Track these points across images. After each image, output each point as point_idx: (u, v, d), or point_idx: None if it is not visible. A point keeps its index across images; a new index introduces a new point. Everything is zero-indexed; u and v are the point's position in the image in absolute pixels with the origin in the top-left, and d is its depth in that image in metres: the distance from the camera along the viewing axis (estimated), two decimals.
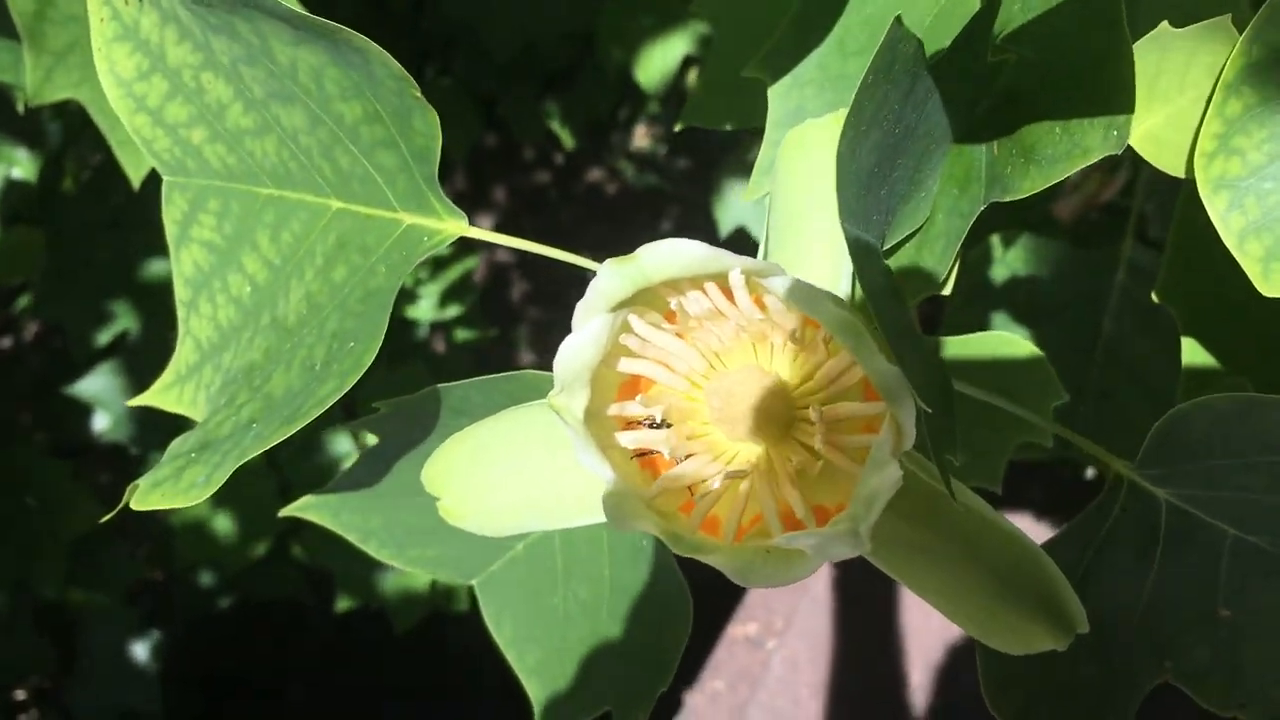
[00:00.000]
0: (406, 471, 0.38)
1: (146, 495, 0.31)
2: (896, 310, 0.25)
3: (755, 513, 0.27)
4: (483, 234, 0.32)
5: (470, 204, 2.03)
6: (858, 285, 0.29)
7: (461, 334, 1.52)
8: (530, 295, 1.99)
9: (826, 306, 0.23)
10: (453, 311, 1.50)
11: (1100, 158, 0.27)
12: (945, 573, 0.30)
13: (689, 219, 1.80)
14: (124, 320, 1.26)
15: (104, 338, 1.26)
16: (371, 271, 0.32)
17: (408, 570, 0.40)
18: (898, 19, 0.24)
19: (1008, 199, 0.28)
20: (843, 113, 0.32)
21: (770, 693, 1.44)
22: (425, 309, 1.45)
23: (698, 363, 0.28)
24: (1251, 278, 0.30)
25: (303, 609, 1.43)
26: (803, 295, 0.23)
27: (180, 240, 0.37)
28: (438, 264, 1.55)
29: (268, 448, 0.28)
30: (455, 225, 0.32)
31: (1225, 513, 0.32)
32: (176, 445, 0.33)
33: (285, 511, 0.39)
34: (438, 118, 0.29)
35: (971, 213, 0.30)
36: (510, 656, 0.40)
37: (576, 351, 0.25)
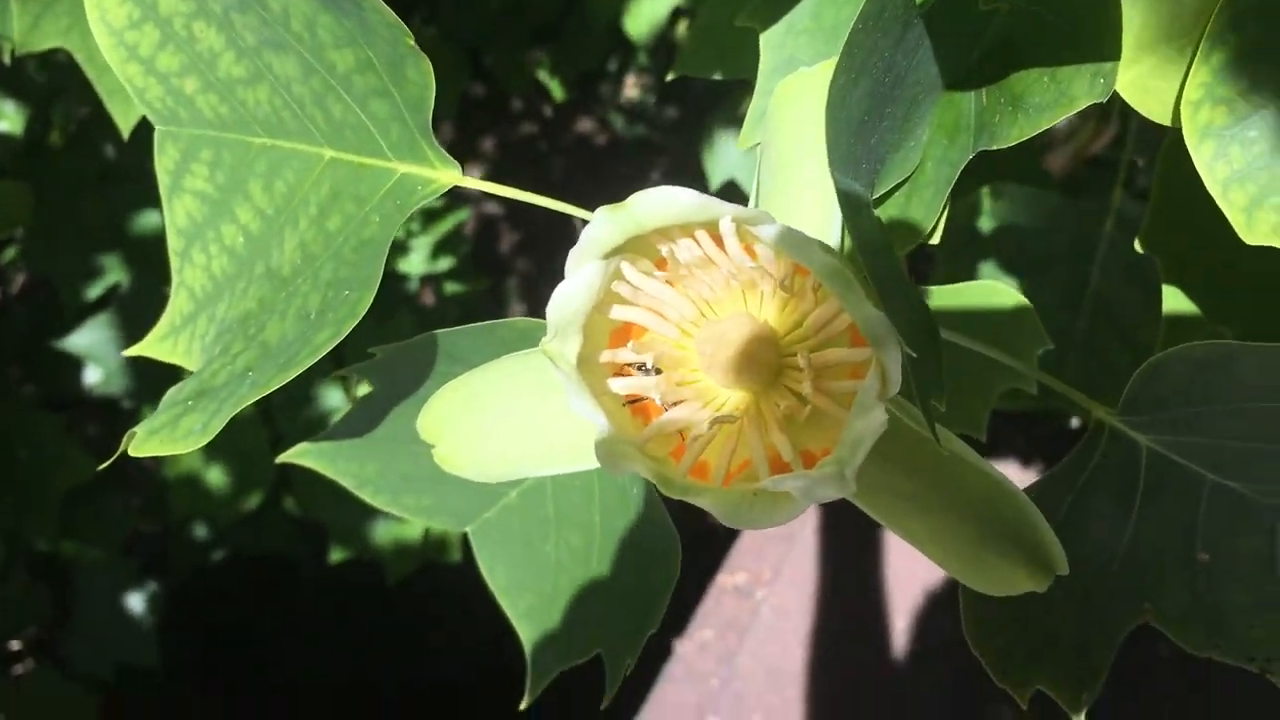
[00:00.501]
0: (401, 419, 0.38)
1: (144, 442, 0.31)
2: (885, 259, 0.25)
3: (744, 458, 0.28)
4: (476, 183, 0.32)
5: (458, 155, 2.03)
6: (847, 235, 0.29)
7: (451, 287, 1.52)
8: (520, 247, 1.99)
9: (815, 253, 0.23)
10: (444, 264, 1.50)
11: (1086, 105, 0.27)
12: (929, 517, 0.31)
13: (679, 170, 1.79)
14: (114, 274, 1.26)
15: (94, 291, 1.26)
16: (365, 221, 0.32)
17: (403, 517, 0.40)
18: None
19: (995, 147, 0.29)
20: (834, 61, 0.32)
21: (759, 640, 1.46)
22: (416, 262, 1.45)
23: (689, 310, 0.28)
24: (1235, 226, 0.30)
25: (296, 561, 1.44)
26: (792, 242, 0.24)
27: (173, 190, 0.37)
28: (429, 216, 1.54)
29: (264, 395, 0.29)
30: (449, 175, 0.32)
31: (1204, 458, 0.33)
32: (172, 394, 0.34)
33: (282, 458, 0.40)
34: (431, 66, 0.30)
35: (960, 161, 0.30)
36: (503, 602, 0.41)
37: (569, 297, 0.25)
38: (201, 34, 0.34)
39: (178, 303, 0.38)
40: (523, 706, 0.41)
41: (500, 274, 1.96)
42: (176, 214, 0.37)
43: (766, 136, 0.32)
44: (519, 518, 0.40)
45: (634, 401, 0.28)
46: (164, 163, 0.37)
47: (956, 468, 0.30)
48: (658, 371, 0.28)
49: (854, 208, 0.25)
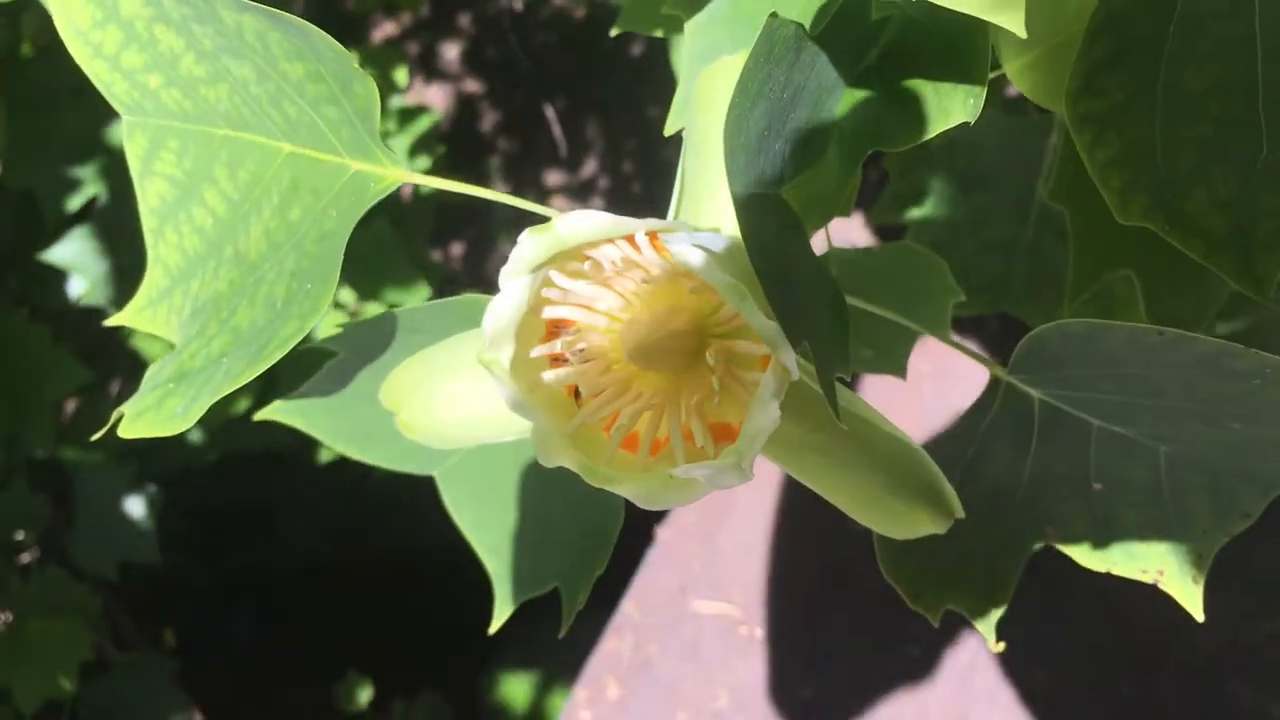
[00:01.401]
0: (367, 381, 0.42)
1: (133, 423, 0.34)
2: (786, 252, 0.28)
3: (665, 433, 0.31)
4: (423, 179, 0.35)
5: (433, 34, 2.02)
6: None
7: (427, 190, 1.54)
8: (500, 126, 1.99)
9: (712, 271, 0.27)
10: (421, 164, 1.51)
11: (960, 121, 0.30)
12: (838, 469, 0.35)
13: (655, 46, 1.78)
14: (92, 185, 1.27)
15: (74, 203, 1.27)
16: (324, 214, 0.35)
17: (374, 464, 0.44)
18: (772, 15, 0.27)
19: (888, 149, 0.31)
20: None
21: (737, 523, 1.52)
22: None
23: (615, 303, 0.31)
24: (1111, 207, 0.33)
25: (286, 457, 1.48)
26: (691, 260, 0.27)
27: (143, 174, 0.40)
28: (405, 115, 1.55)
29: (236, 387, 0.32)
30: (396, 173, 0.35)
31: (1089, 409, 0.36)
32: (155, 371, 0.37)
33: (259, 415, 0.43)
34: (375, 85, 0.32)
35: (861, 152, 0.33)
36: (470, 538, 0.45)
37: (501, 310, 0.28)
38: (163, 36, 0.36)
39: (153, 277, 0.41)
40: (491, 631, 0.45)
41: (481, 153, 1.97)
42: (149, 196, 0.40)
43: (689, 126, 0.35)
44: (481, 462, 0.43)
45: (570, 389, 0.31)
46: (134, 149, 0.39)
47: (862, 428, 0.34)
48: (588, 360, 0.31)
49: (751, 217, 0.28)
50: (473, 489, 0.44)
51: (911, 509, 0.35)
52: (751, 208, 0.28)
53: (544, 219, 0.29)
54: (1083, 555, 0.41)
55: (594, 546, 0.39)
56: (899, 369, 0.45)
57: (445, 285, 1.69)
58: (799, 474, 0.35)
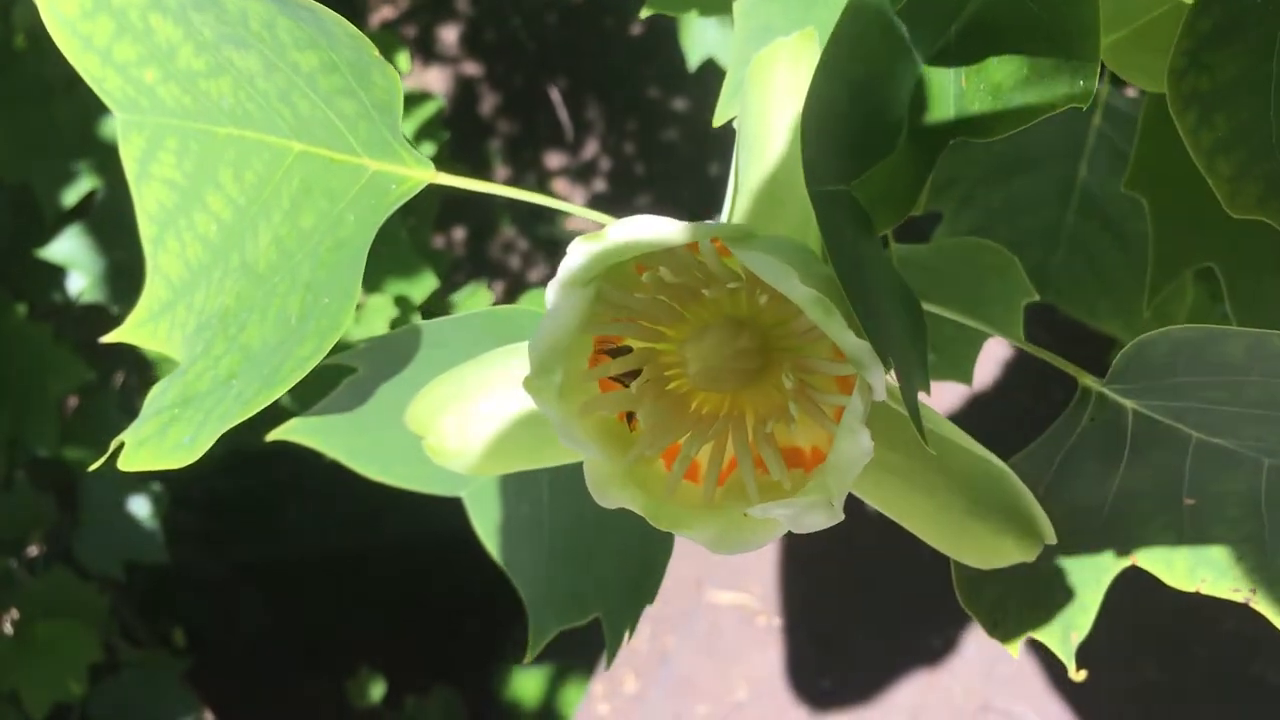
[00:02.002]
0: (388, 397, 0.38)
1: (134, 454, 0.31)
2: (860, 270, 0.25)
3: (733, 456, 0.28)
4: (453, 180, 0.32)
5: (431, 16, 1.98)
6: None
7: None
8: (501, 108, 1.95)
9: (792, 284, 0.23)
10: (426, 151, 1.47)
11: (1067, 106, 0.26)
12: (915, 493, 0.31)
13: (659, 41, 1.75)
14: (88, 180, 1.24)
15: (71, 198, 1.24)
16: (340, 220, 0.31)
17: (397, 485, 0.41)
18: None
19: (977, 139, 0.28)
20: (813, 31, 0.31)
21: None
22: None
23: (671, 316, 0.28)
24: (1220, 197, 0.30)
25: (295, 447, 1.45)
26: (768, 271, 0.23)
27: (140, 177, 0.36)
28: (407, 102, 1.51)
29: (249, 415, 0.29)
30: (422, 173, 0.31)
31: (1189, 420, 0.33)
32: (157, 394, 0.34)
33: (273, 435, 0.40)
34: (398, 75, 0.29)
35: (940, 143, 0.29)
36: (501, 562, 0.42)
37: (552, 330, 0.25)
38: (159, 25, 0.33)
39: (154, 289, 0.37)
40: (526, 661, 0.42)
41: (482, 136, 1.94)
42: (146, 200, 0.36)
43: (743, 115, 0.32)
44: (513, 484, 0.40)
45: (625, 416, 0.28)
46: (129, 150, 0.36)
47: (942, 446, 0.30)
48: (636, 375, 0.28)
49: (831, 215, 0.25)
50: (503, 512, 0.41)
51: (997, 535, 0.32)
52: (830, 208, 0.25)
53: (550, 211, 0.26)
54: (1169, 574, 0.38)
55: (640, 577, 0.36)
56: (965, 375, 0.42)
57: (450, 273, 1.66)
58: (869, 497, 0.31)
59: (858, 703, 1.43)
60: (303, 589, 1.79)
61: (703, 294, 0.26)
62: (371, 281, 1.31)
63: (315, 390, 0.39)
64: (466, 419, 0.32)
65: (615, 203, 1.86)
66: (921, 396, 0.28)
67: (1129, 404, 0.33)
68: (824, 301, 0.23)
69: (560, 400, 0.25)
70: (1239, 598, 0.38)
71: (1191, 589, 0.39)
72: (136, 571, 1.34)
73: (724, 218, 0.32)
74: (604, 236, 0.24)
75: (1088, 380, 0.33)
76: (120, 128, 0.36)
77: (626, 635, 0.37)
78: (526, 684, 1.67)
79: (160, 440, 0.31)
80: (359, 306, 1.28)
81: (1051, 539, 0.31)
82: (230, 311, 0.34)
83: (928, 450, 0.30)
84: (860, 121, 0.28)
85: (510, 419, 0.32)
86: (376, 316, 1.29)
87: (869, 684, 1.42)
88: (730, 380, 0.27)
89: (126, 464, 0.31)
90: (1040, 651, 1.39)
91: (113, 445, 0.33)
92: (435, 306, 1.38)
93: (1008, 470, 0.31)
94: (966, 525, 0.32)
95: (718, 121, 0.33)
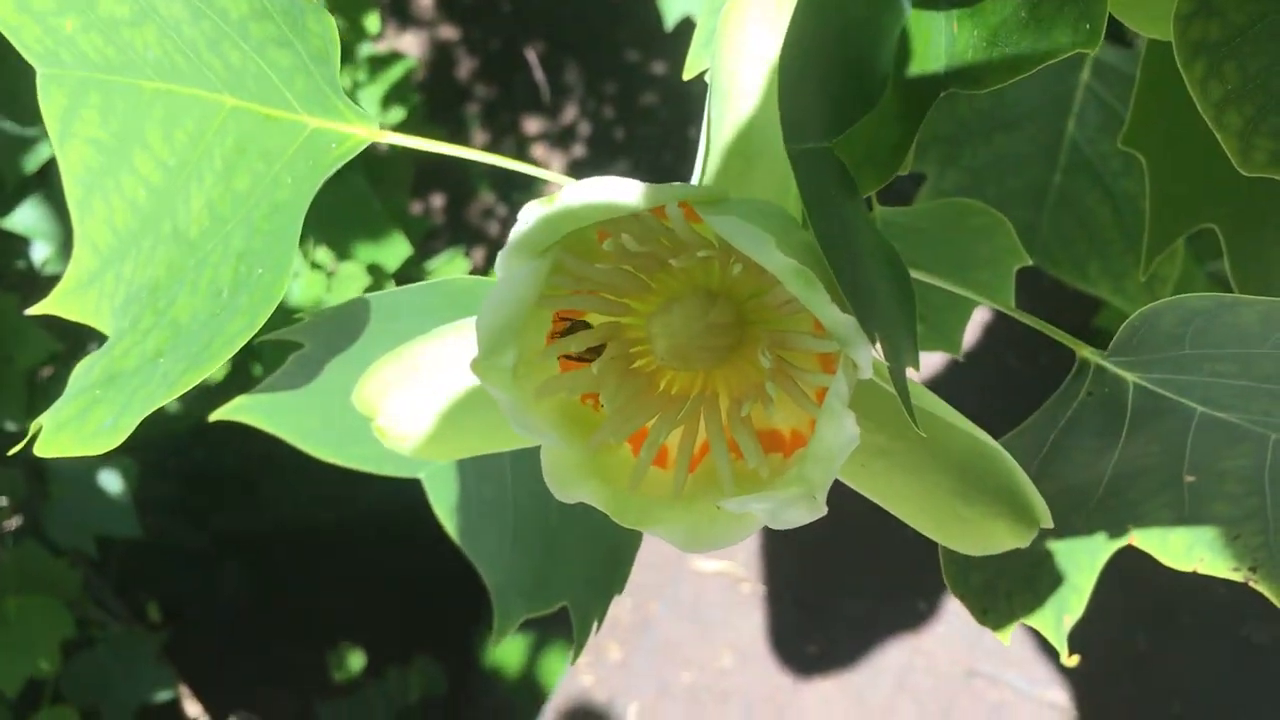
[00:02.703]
0: (339, 373, 0.36)
1: (52, 439, 0.29)
2: (844, 236, 0.22)
3: (704, 439, 0.26)
4: (397, 137, 0.29)
5: None
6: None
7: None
8: (477, 73, 1.91)
9: (770, 253, 0.21)
10: (395, 116, 1.44)
11: (1071, 53, 0.24)
12: (900, 475, 0.29)
13: (636, 2, 1.71)
14: (48, 147, 1.20)
15: (31, 165, 1.20)
16: (276, 182, 0.29)
17: (349, 467, 0.38)
18: None
19: (970, 91, 0.25)
20: None
21: None
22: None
23: (635, 286, 0.25)
24: (1230, 154, 0.27)
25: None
26: (743, 239, 0.21)
27: (63, 136, 0.33)
28: (376, 64, 1.47)
29: (175, 396, 0.26)
30: (365, 129, 0.29)
31: (1194, 393, 0.31)
32: (81, 372, 0.31)
33: (215, 415, 0.37)
34: (333, 23, 0.26)
35: (930, 95, 0.27)
36: (463, 546, 0.39)
37: (500, 305, 0.22)
38: None
39: (81, 258, 0.35)
40: (493, 645, 0.40)
41: (458, 101, 1.90)
42: (71, 161, 0.34)
43: (715, 63, 0.29)
44: (473, 466, 0.38)
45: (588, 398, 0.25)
46: (50, 108, 0.33)
47: (930, 424, 0.28)
48: (598, 353, 0.25)
49: (811, 175, 0.22)
50: (464, 494, 0.38)
51: (988, 519, 0.29)
52: (811, 168, 0.22)
53: (526, 177, 0.23)
54: (1165, 553, 0.36)
55: (608, 565, 0.34)
56: (953, 345, 0.39)
57: (428, 240, 1.62)
58: (848, 479, 0.29)
59: (843, 668, 1.41)
60: (282, 560, 1.77)
61: (670, 263, 0.24)
62: (342, 249, 1.28)
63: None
64: (417, 400, 0.30)
65: (594, 168, 1.83)
66: (908, 371, 0.26)
67: (1130, 377, 0.31)
68: (805, 272, 0.21)
69: (514, 383, 0.23)
70: (1238, 576, 0.36)
71: (1189, 569, 0.37)
72: (112, 545, 1.31)
73: (695, 179, 0.29)
74: (558, 199, 0.22)
75: (1086, 352, 0.30)
76: (40, 83, 0.33)
77: (594, 627, 0.35)
78: (507, 652, 1.66)
79: (80, 424, 0.29)
80: (329, 274, 1.25)
81: (1047, 522, 0.29)
82: (160, 283, 0.31)
83: (916, 431, 0.28)
84: (841, 73, 0.25)
85: (464, 400, 0.29)
86: (349, 285, 1.26)
87: (854, 650, 1.41)
88: (702, 358, 0.24)
89: (44, 449, 0.29)
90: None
91: (31, 429, 0.30)
92: (411, 274, 1.35)
93: (1000, 449, 0.29)
94: (955, 509, 0.29)
95: (688, 74, 0.31)
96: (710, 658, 1.48)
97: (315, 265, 1.24)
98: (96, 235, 0.33)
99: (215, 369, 0.26)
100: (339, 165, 0.28)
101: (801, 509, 0.21)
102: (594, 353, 0.25)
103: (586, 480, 0.23)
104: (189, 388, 0.26)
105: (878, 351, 0.26)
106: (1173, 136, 0.35)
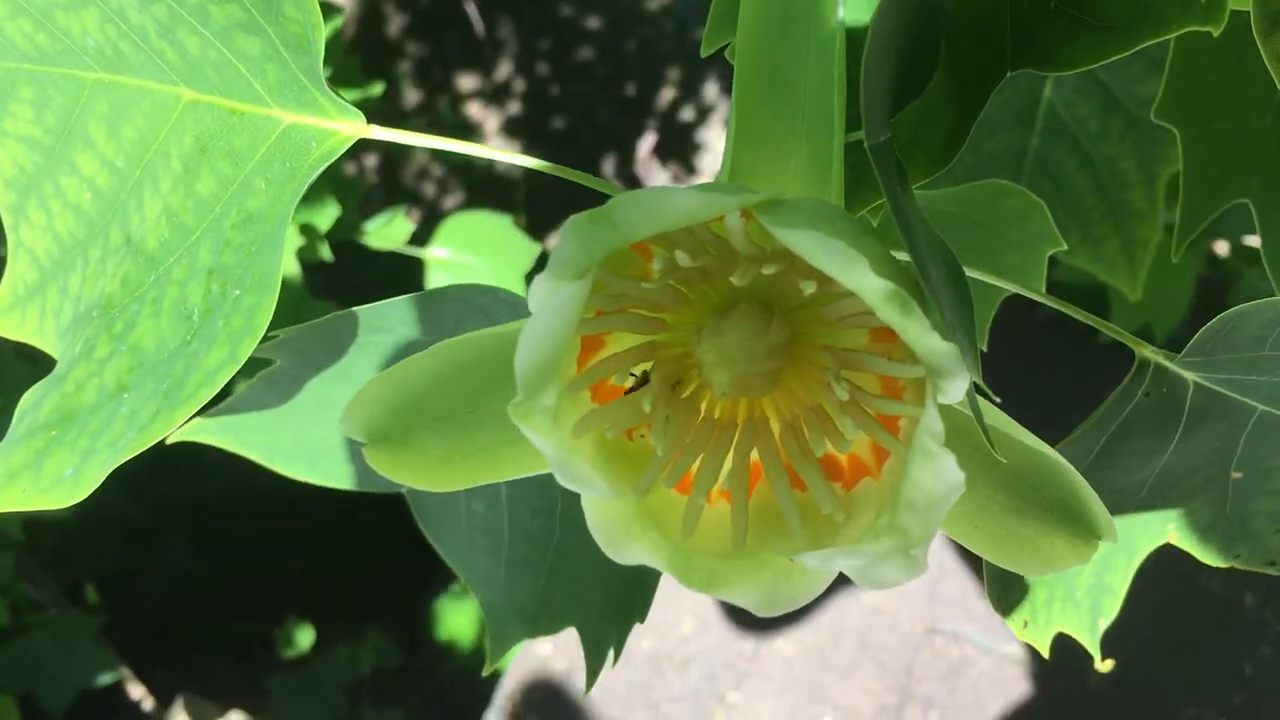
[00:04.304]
0: (317, 387, 0.32)
1: (3, 492, 0.25)
2: (925, 251, 0.20)
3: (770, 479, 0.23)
4: (388, 132, 0.25)
5: None
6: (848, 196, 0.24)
7: (347, 95, 1.40)
8: (410, 29, 1.85)
9: (865, 276, 0.18)
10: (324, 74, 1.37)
11: (1186, 30, 0.21)
12: None
13: None
14: None
15: None
16: (247, 186, 0.25)
17: (325, 485, 0.35)
18: None
19: (1047, 71, 0.22)
20: None
21: None
22: None
23: (674, 300, 0.22)
24: None
25: None
26: (832, 260, 0.18)
27: None
28: None
29: (151, 444, 0.23)
30: (350, 125, 0.25)
31: (1256, 392, 0.29)
32: (28, 406, 0.27)
33: (174, 438, 0.33)
34: (315, 3, 0.22)
35: (994, 74, 0.24)
36: (452, 563, 0.36)
37: (544, 339, 0.19)
38: None
39: (18, 268, 0.31)
40: (484, 673, 0.37)
41: (390, 59, 1.83)
42: (2, 162, 0.30)
43: (741, 41, 0.26)
44: None
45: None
46: None
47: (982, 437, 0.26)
48: (644, 379, 0.22)
49: (887, 172, 0.20)
50: (453, 510, 0.35)
51: (1045, 536, 0.27)
52: (887, 166, 0.19)
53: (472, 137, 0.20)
54: (1204, 551, 0.34)
55: (627, 588, 0.31)
56: (978, 337, 0.37)
57: (363, 202, 1.56)
58: None
59: (805, 631, 1.41)
60: (226, 528, 1.71)
61: (731, 280, 0.21)
62: None
63: None
64: (418, 425, 0.26)
65: (530, 125, 1.78)
66: None
67: (1190, 376, 0.29)
68: (900, 295, 0.18)
69: (555, 427, 0.20)
70: (1274, 570, 0.35)
71: (1226, 565, 0.35)
72: (42, 525, 1.26)
73: (722, 175, 0.26)
74: (609, 215, 0.18)
75: (1146, 351, 0.28)
76: None
77: (612, 657, 0.32)
78: (460, 622, 1.63)
79: (36, 472, 0.25)
80: None
81: (1113, 537, 0.26)
82: (114, 300, 0.27)
83: (965, 444, 0.25)
84: (899, 51, 0.22)
85: (468, 423, 0.26)
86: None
87: (815, 612, 1.41)
88: (760, 385, 0.21)
89: None
90: (981, 572, 1.38)
91: None
92: (349, 235, 1.30)
93: (1059, 459, 0.26)
94: (1012, 526, 0.27)
95: (706, 51, 0.28)
96: (670, 624, 1.46)
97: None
98: (35, 244, 0.30)
99: (193, 411, 0.22)
100: (323, 167, 0.24)
101: (897, 566, 0.19)
102: (633, 378, 0.22)
103: (645, 533, 0.20)
104: (164, 435, 0.23)
105: None
106: (1207, 110, 0.33)
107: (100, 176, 0.28)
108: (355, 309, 0.29)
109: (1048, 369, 1.45)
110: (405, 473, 0.27)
